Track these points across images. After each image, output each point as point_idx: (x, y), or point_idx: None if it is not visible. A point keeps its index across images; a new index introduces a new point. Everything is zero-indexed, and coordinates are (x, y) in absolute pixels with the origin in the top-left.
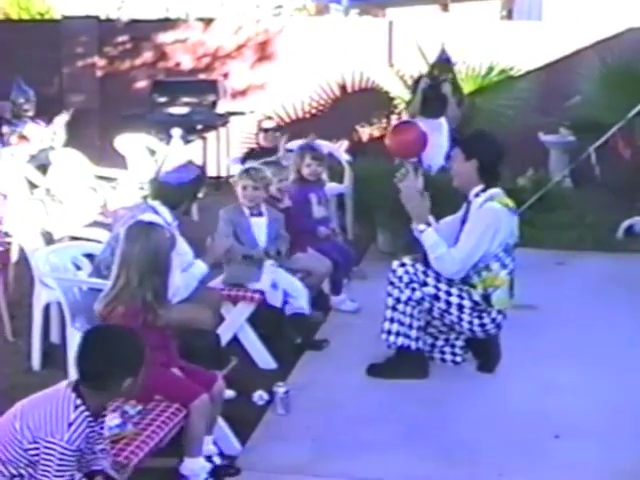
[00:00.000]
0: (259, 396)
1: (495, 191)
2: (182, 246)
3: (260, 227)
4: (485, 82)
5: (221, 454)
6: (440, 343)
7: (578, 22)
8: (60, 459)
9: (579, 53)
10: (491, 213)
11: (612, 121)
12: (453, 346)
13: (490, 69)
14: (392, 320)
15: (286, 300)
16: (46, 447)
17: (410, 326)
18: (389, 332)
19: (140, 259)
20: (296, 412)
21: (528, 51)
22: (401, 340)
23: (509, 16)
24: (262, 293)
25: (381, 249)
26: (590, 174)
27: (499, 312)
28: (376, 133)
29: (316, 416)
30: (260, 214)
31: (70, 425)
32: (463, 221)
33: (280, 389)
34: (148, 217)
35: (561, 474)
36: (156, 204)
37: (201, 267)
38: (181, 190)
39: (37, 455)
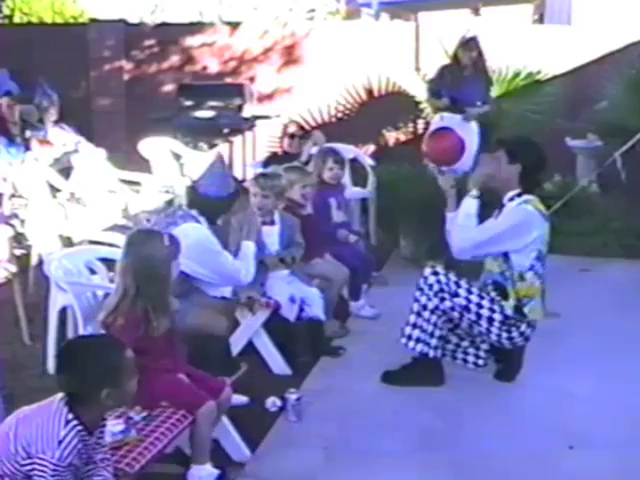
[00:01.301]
0: (272, 402)
1: (530, 197)
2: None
3: (271, 235)
4: (512, 86)
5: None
6: (465, 344)
7: (606, 26)
8: (53, 475)
9: (607, 57)
10: (524, 213)
11: (639, 126)
12: (478, 348)
13: (517, 73)
14: (414, 326)
15: (302, 308)
16: (39, 464)
17: (432, 335)
18: (409, 337)
19: (135, 268)
20: (308, 419)
21: (556, 55)
22: (420, 347)
23: (541, 20)
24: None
25: (403, 255)
26: (616, 180)
27: (529, 324)
28: (402, 138)
29: (329, 424)
30: (272, 222)
31: (60, 443)
32: None
33: (292, 396)
34: (191, 225)
35: None
36: (194, 213)
37: (250, 246)
38: (219, 204)
39: (32, 470)
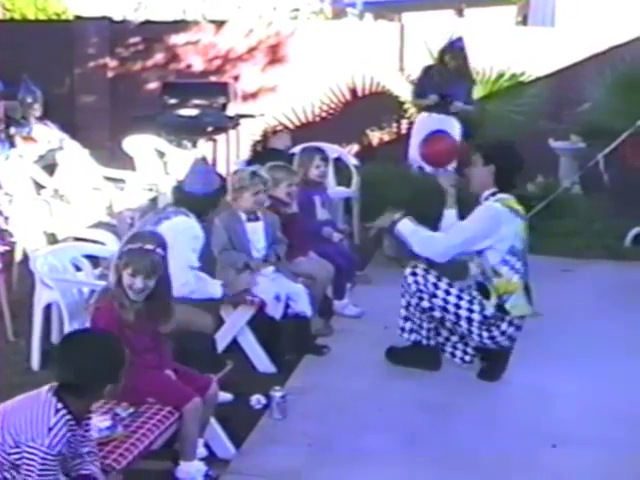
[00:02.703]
0: (256, 400)
1: (504, 195)
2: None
3: (257, 231)
4: (495, 87)
5: (206, 458)
6: (455, 339)
7: (590, 29)
8: (42, 464)
9: (590, 59)
10: (490, 211)
11: (622, 128)
12: (466, 345)
13: (500, 75)
14: (406, 319)
15: (288, 304)
16: (28, 452)
17: (421, 326)
18: (403, 329)
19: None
20: (293, 417)
21: (540, 57)
22: (414, 336)
23: (524, 22)
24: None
25: (386, 254)
26: (599, 181)
27: (510, 323)
28: (386, 137)
29: (313, 421)
30: (257, 219)
31: (50, 430)
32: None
33: (277, 393)
34: (181, 220)
35: None
36: (184, 209)
37: (216, 290)
38: (205, 201)
39: (20, 459)
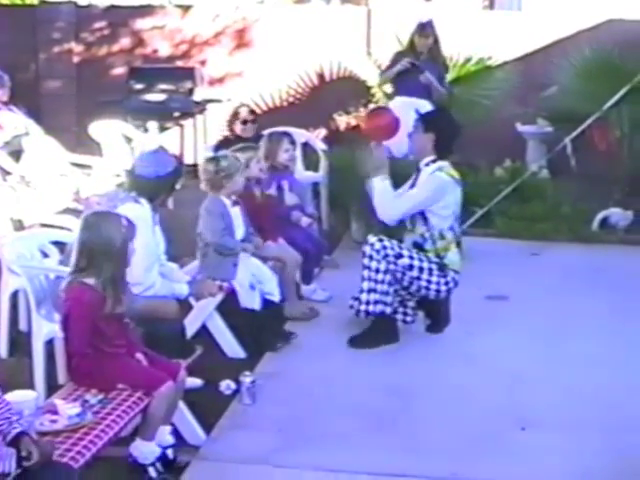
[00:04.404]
0: (226, 385)
1: (444, 163)
2: (158, 237)
3: (237, 217)
4: (462, 72)
5: (174, 446)
6: (396, 303)
7: (557, 13)
8: None
9: (557, 44)
10: (438, 181)
11: (589, 112)
12: (405, 306)
13: (468, 59)
14: (370, 291)
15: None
16: None
17: (387, 293)
18: (367, 302)
19: (94, 247)
20: (263, 402)
21: (507, 41)
22: (380, 307)
23: (491, 6)
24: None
25: (354, 238)
26: (566, 165)
27: (455, 272)
28: (353, 122)
29: (283, 406)
30: (237, 203)
31: None
32: (412, 186)
33: (247, 379)
34: (129, 207)
35: (527, 466)
36: (134, 194)
37: (183, 290)
38: (157, 183)
39: None
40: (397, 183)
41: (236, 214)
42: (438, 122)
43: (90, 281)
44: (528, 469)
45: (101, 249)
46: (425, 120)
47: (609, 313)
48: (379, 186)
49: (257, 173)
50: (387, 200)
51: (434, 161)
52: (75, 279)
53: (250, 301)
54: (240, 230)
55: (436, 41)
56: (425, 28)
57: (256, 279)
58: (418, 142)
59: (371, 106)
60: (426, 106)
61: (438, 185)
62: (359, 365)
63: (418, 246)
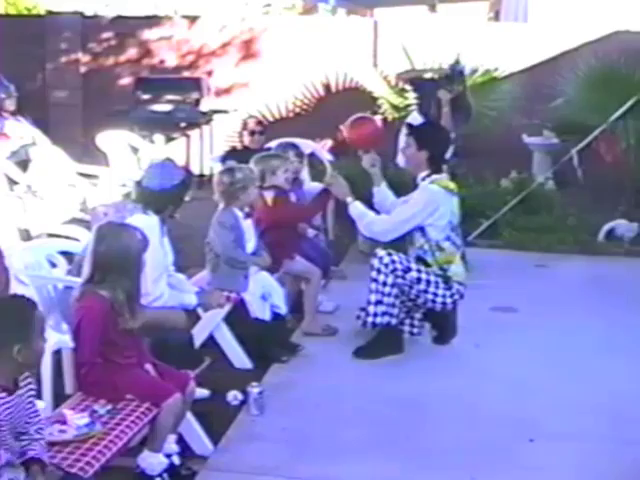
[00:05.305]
0: (233, 396)
1: (438, 176)
2: (166, 248)
3: (249, 230)
4: (469, 83)
5: (180, 454)
6: (402, 315)
7: (563, 24)
8: None
9: (563, 55)
10: (428, 194)
11: (595, 123)
12: (412, 318)
13: (474, 70)
14: (377, 303)
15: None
16: None
17: (393, 305)
18: (375, 314)
19: (109, 259)
20: (270, 413)
21: (513, 53)
22: (386, 319)
23: (497, 18)
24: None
25: (361, 250)
26: (573, 177)
27: (460, 284)
28: None
29: (290, 417)
30: (249, 215)
31: None
32: (406, 201)
33: (254, 389)
34: (138, 219)
35: (534, 478)
36: (141, 206)
37: (192, 301)
38: (164, 196)
39: None
40: (402, 193)
41: (248, 227)
42: (430, 141)
43: (104, 293)
44: None
45: (117, 262)
46: (417, 138)
47: (616, 324)
48: (354, 212)
49: (282, 182)
50: (369, 222)
51: (429, 175)
52: (89, 289)
53: (261, 312)
54: (251, 243)
55: (464, 89)
56: (455, 71)
57: (266, 291)
58: (413, 159)
59: (378, 118)
60: (417, 119)
61: (428, 199)
62: (367, 376)
63: (421, 260)
